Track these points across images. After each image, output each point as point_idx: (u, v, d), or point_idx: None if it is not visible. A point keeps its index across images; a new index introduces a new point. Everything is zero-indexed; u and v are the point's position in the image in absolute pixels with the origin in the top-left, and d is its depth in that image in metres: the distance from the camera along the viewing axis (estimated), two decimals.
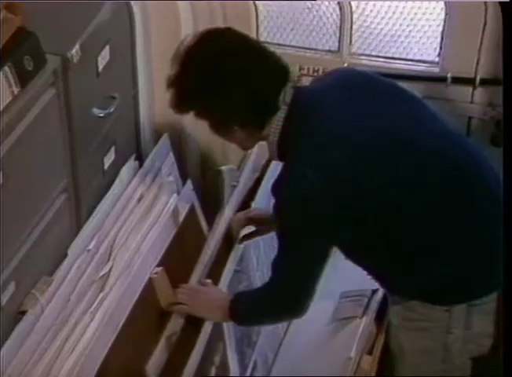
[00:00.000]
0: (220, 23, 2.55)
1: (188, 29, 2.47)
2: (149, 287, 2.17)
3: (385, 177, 1.86)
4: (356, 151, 1.84)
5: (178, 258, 2.31)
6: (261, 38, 2.62)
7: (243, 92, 1.85)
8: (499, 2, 2.10)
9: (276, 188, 1.90)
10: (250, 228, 2.35)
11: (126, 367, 2.05)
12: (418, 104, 1.99)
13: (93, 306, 2.08)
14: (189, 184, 2.44)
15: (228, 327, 2.29)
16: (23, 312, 1.95)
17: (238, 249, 2.37)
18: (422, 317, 2.00)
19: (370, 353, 2.28)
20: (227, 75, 1.85)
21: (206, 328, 2.16)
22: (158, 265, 2.23)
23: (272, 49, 2.56)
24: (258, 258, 2.56)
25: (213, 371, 2.25)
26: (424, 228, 1.90)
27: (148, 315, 2.16)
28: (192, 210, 2.45)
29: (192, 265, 2.29)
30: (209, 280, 2.24)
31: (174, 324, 2.12)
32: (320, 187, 1.82)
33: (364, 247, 1.93)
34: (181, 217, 2.40)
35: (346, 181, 1.83)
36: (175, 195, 2.42)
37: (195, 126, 2.47)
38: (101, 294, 2.11)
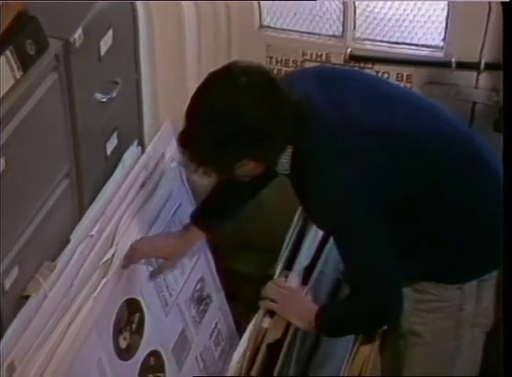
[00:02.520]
0: (222, 7, 2.53)
1: (190, 12, 2.45)
2: None
3: (402, 163, 1.87)
4: (379, 140, 1.85)
5: None
6: (264, 23, 2.60)
7: (280, 110, 1.82)
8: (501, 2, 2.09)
9: (322, 204, 1.87)
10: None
11: None
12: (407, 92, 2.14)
13: (96, 292, 2.09)
14: None
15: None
16: (27, 297, 1.95)
17: (324, 250, 2.28)
18: (435, 298, 2.00)
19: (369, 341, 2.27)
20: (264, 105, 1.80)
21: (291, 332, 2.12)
22: None
23: (275, 33, 2.59)
24: None
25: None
26: (435, 210, 1.91)
27: None
28: None
29: None
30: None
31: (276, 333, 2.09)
32: (358, 177, 1.83)
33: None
34: None
35: (374, 169, 1.84)
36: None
37: None
38: (104, 280, 2.11)
